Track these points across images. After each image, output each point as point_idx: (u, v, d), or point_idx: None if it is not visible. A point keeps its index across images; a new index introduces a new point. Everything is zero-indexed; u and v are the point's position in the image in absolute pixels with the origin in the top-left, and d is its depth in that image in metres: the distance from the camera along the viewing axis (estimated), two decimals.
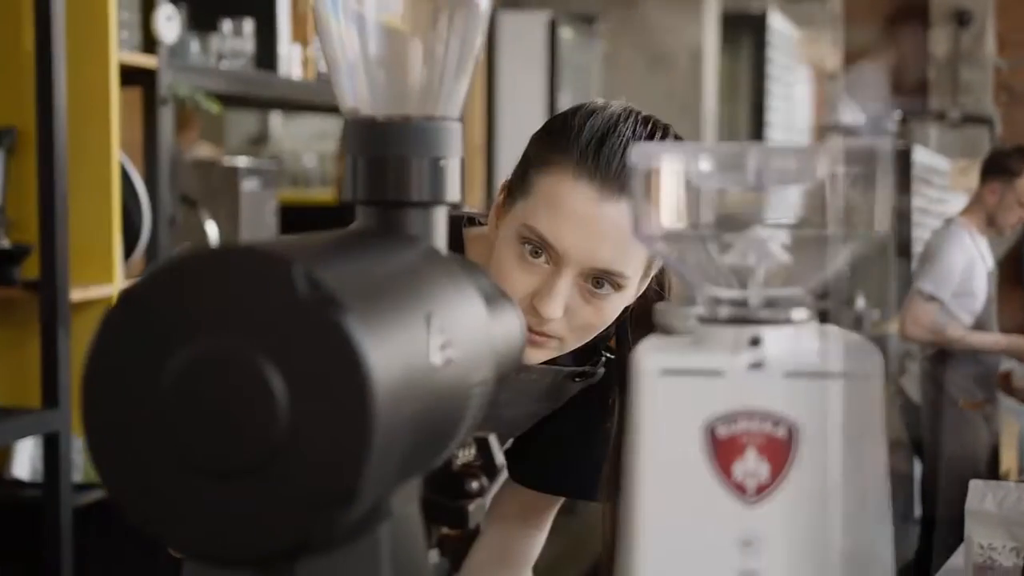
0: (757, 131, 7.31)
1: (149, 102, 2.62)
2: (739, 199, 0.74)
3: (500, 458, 0.96)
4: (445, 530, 0.92)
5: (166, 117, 2.63)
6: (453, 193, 0.82)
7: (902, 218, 6.99)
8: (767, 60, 7.15)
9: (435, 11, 0.82)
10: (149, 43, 2.62)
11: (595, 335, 1.27)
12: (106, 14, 2.43)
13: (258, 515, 0.60)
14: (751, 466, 0.68)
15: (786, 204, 0.75)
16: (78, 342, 2.34)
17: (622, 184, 1.20)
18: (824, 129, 8.56)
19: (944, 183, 7.73)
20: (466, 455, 0.87)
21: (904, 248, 7.08)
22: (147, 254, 2.63)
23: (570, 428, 1.41)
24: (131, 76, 2.59)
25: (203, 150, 3.81)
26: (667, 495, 0.68)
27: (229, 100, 3.14)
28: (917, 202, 6.92)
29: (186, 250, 0.62)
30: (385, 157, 0.80)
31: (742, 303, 0.71)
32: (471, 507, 0.83)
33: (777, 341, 0.69)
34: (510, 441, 1.47)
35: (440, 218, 0.82)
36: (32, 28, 2.33)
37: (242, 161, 3.10)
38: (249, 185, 2.96)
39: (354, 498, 0.60)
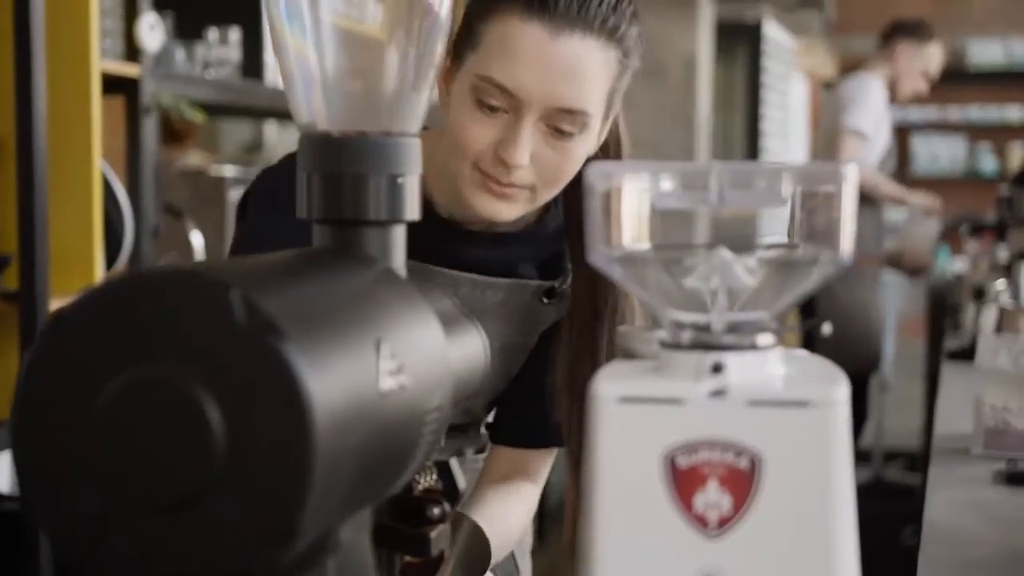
0: (752, 140, 7.29)
1: (132, 111, 2.59)
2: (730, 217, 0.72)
3: (462, 482, 0.94)
4: (407, 558, 0.89)
5: (149, 126, 2.61)
6: (412, 211, 0.80)
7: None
8: (762, 69, 7.13)
9: (393, 22, 0.80)
10: (133, 51, 2.59)
11: (563, 184, 1.24)
12: (88, 22, 2.41)
13: (193, 550, 0.58)
14: (712, 498, 0.65)
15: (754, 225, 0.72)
16: None
17: (573, 18, 1.17)
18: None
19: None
20: (427, 480, 0.85)
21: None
22: (130, 264, 2.60)
23: (543, 374, 1.36)
24: (114, 84, 2.56)
25: (195, 158, 3.79)
26: (626, 527, 0.66)
27: (215, 109, 3.11)
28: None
29: (124, 272, 0.60)
30: (341, 174, 0.77)
31: (705, 327, 0.69)
32: (433, 534, 0.81)
33: (741, 367, 0.67)
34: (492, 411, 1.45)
35: (399, 236, 0.79)
36: (11, 36, 2.30)
37: (230, 171, 3.08)
38: (237, 195, 2.93)
39: (294, 534, 0.58)
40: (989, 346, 1.83)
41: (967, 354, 2.58)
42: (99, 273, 2.46)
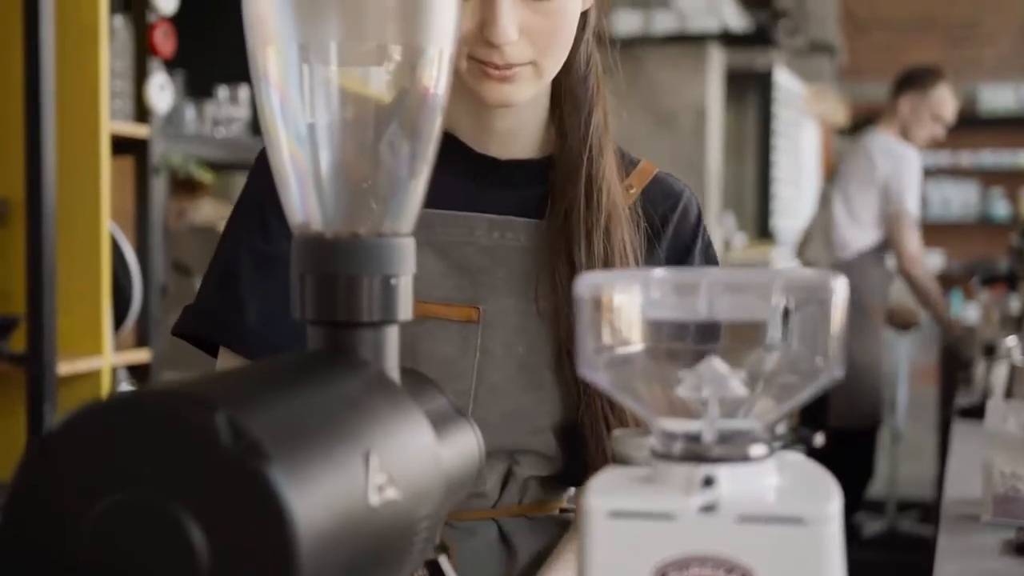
0: (763, 187, 7.29)
1: (141, 171, 2.60)
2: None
3: None
4: None
5: (158, 186, 2.62)
6: (405, 311, 0.79)
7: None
8: (773, 116, 7.15)
9: (384, 121, 0.80)
10: (142, 112, 2.61)
11: (567, 51, 1.17)
12: (98, 84, 2.43)
13: None
14: None
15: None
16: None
17: None
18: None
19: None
20: None
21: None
22: (138, 324, 2.61)
23: None
24: (124, 145, 2.58)
25: (207, 209, 3.80)
26: None
27: (225, 165, 3.13)
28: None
29: (108, 394, 0.60)
30: (335, 275, 0.77)
31: (696, 437, 0.68)
32: None
33: (732, 480, 0.66)
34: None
35: (392, 338, 0.79)
36: (22, 97, 2.32)
37: None
38: None
39: None
40: (997, 411, 1.82)
41: (978, 412, 2.56)
42: (107, 334, 2.46)
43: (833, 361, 0.68)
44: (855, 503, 4.50)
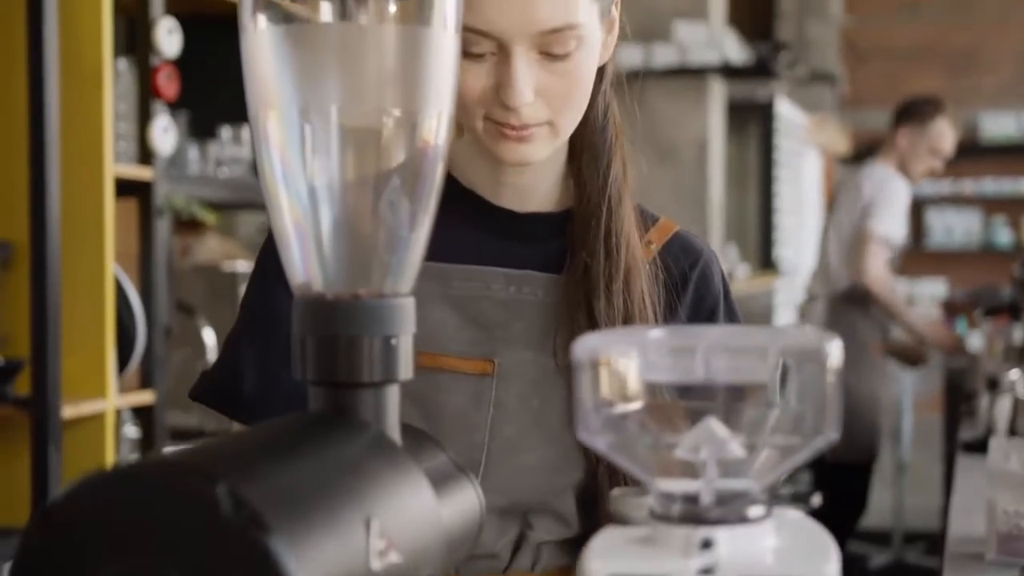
0: (766, 216, 7.31)
1: (145, 213, 2.62)
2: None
3: None
4: None
5: (162, 228, 2.63)
6: (406, 371, 0.80)
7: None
8: (775, 146, 7.17)
9: (383, 181, 0.81)
10: (146, 154, 2.62)
11: (583, 109, 1.15)
12: (101, 127, 2.44)
13: None
14: None
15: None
16: (70, 460, 2.32)
17: None
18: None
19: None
20: None
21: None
22: (142, 366, 2.61)
23: None
24: (127, 187, 2.59)
25: (212, 243, 3.81)
26: None
27: (228, 205, 3.14)
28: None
29: (109, 466, 0.60)
30: (336, 337, 0.78)
31: (694, 498, 0.69)
32: None
33: (731, 542, 0.67)
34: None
35: (392, 397, 0.80)
36: (27, 140, 2.34)
37: (243, 266, 3.10)
38: None
39: None
40: (1000, 449, 1.82)
41: (982, 446, 2.56)
42: (111, 377, 2.47)
43: (830, 422, 0.68)
44: (848, 535, 4.49)
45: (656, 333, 0.71)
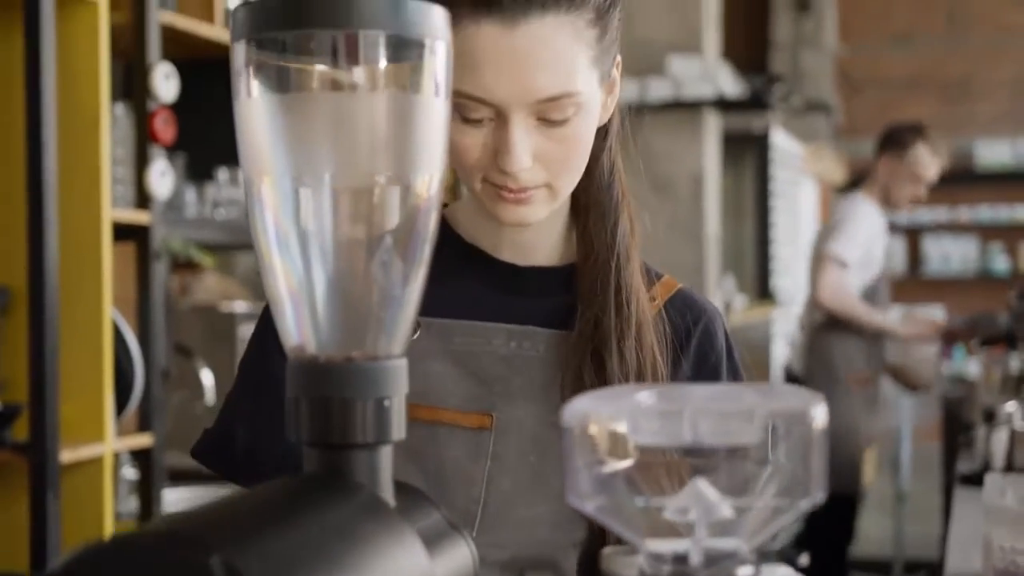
0: (763, 246, 7.33)
1: (143, 257, 2.63)
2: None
3: None
4: None
5: (159, 271, 2.65)
6: (399, 431, 0.81)
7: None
8: (771, 177, 7.19)
9: (376, 244, 0.82)
10: (143, 198, 2.64)
11: (581, 170, 1.16)
12: (99, 172, 2.46)
13: None
14: None
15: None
16: (69, 505, 2.32)
17: (524, 3, 1.09)
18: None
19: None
20: None
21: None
22: (140, 409, 2.62)
23: None
24: (125, 231, 2.60)
25: (210, 282, 3.82)
26: None
27: (226, 247, 3.16)
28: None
29: (103, 538, 0.61)
30: (329, 399, 0.79)
31: (683, 558, 0.70)
32: None
33: None
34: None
35: (386, 458, 0.81)
36: (24, 185, 2.35)
37: (240, 306, 3.11)
38: (247, 330, 2.96)
39: None
40: (995, 485, 1.82)
41: (979, 479, 2.56)
42: (109, 421, 2.48)
43: (816, 483, 0.69)
44: (843, 567, 4.48)
45: (645, 396, 0.73)
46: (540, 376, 1.21)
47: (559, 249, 1.26)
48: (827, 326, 4.34)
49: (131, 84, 2.70)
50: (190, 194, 2.90)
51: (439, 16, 0.80)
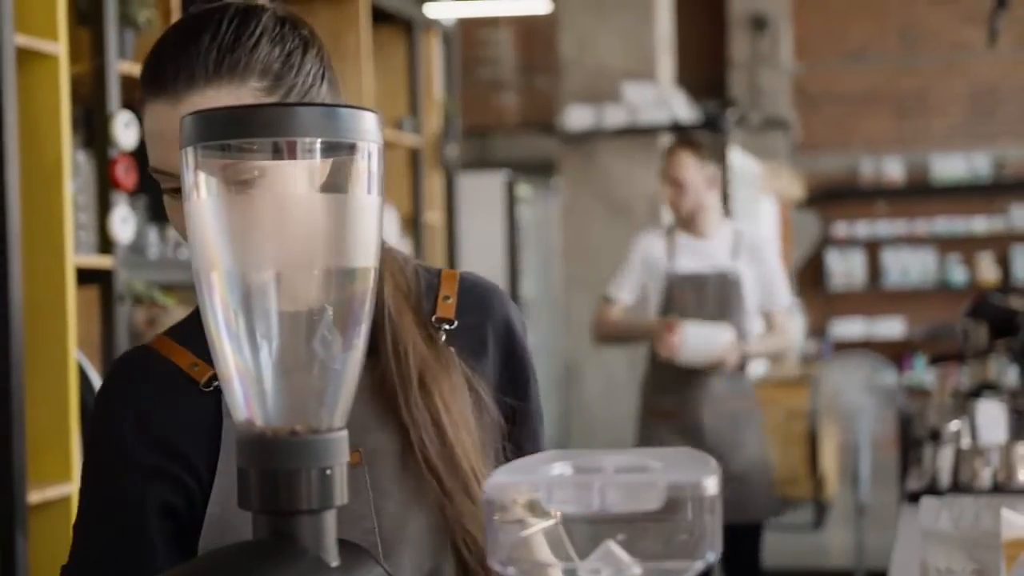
0: None
1: (106, 300, 2.69)
2: None
3: None
4: None
5: (123, 314, 2.71)
6: (341, 496, 0.88)
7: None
8: (730, 196, 7.29)
9: (316, 324, 0.89)
10: (106, 243, 2.70)
11: None
12: (62, 217, 2.52)
13: None
14: None
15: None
16: (37, 546, 2.38)
17: (187, 81, 1.15)
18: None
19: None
20: None
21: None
22: None
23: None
24: (88, 275, 2.67)
25: (177, 315, 3.86)
26: None
27: (189, 286, 3.22)
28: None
29: None
30: (275, 470, 0.86)
31: None
32: None
33: None
34: None
35: (330, 521, 0.88)
36: None
37: None
38: None
39: None
40: (932, 507, 1.90)
41: (925, 496, 2.64)
42: (75, 461, 2.53)
43: (712, 543, 0.77)
44: None
45: (558, 469, 0.80)
46: (374, 405, 1.25)
47: None
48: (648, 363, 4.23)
49: (92, 131, 2.77)
50: (152, 235, 2.96)
51: (370, 121, 0.87)
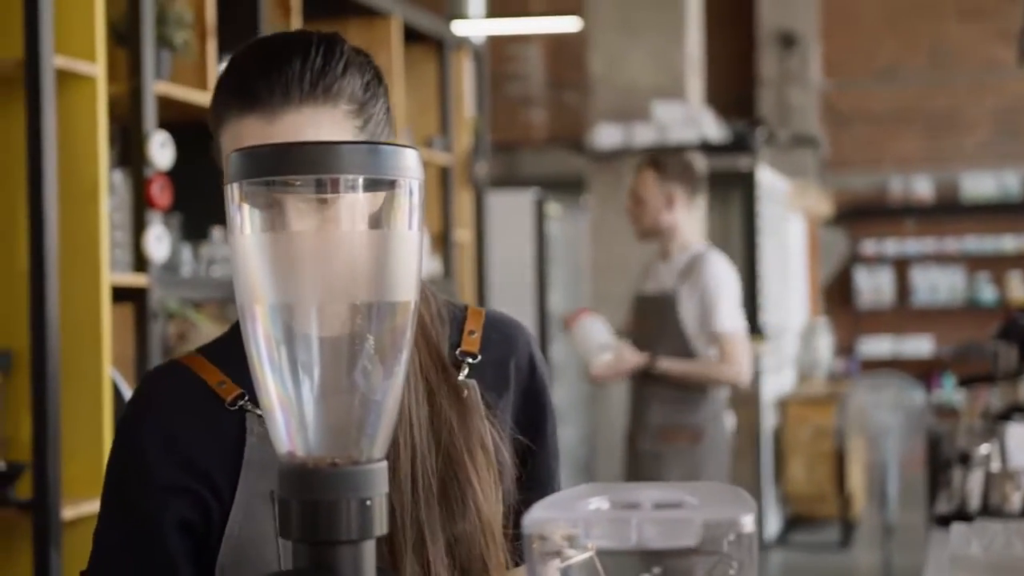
0: (750, 283, 7.41)
1: (140, 318, 2.72)
2: None
3: None
4: None
5: (156, 331, 2.73)
6: (380, 527, 0.90)
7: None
8: (757, 214, 7.29)
9: (356, 362, 0.91)
10: (141, 261, 2.73)
11: None
12: (98, 236, 2.55)
13: None
14: None
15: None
16: (71, 561, 2.40)
17: (282, 98, 1.18)
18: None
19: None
20: None
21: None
22: None
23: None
24: (123, 293, 2.69)
25: (206, 330, 3.89)
26: None
27: (221, 302, 3.25)
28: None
29: None
30: (316, 501, 0.88)
31: None
32: None
33: None
34: None
35: (369, 552, 0.90)
36: (27, 251, 2.44)
37: None
38: None
39: None
40: (962, 533, 1.91)
41: (955, 520, 2.63)
42: None
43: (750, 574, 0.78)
44: None
45: (595, 504, 0.81)
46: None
47: None
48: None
49: (128, 151, 2.80)
50: (186, 253, 2.99)
51: (411, 157, 0.89)
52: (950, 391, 9.43)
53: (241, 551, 1.23)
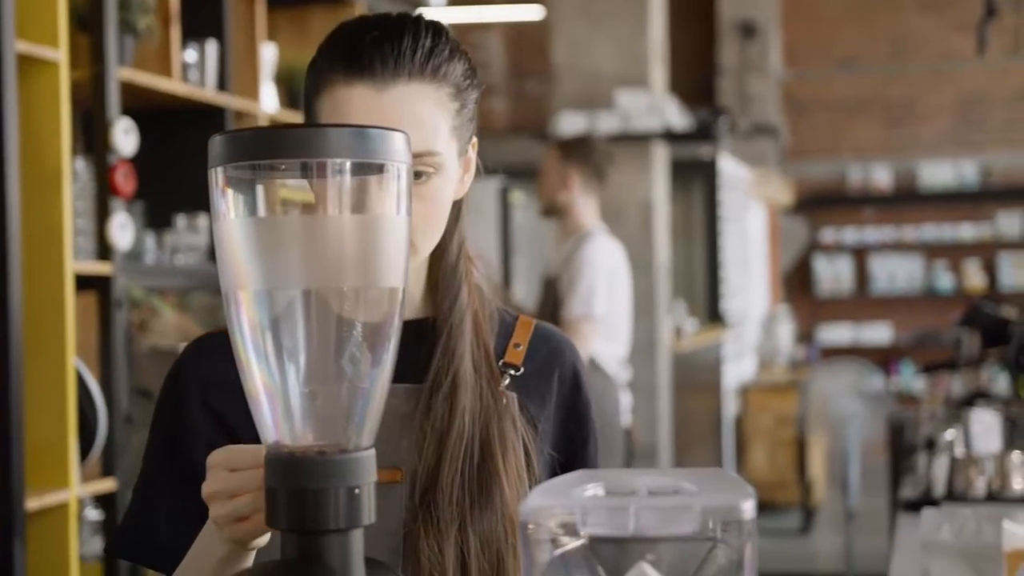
0: (712, 270, 7.44)
1: (104, 306, 2.68)
2: None
3: None
4: None
5: (120, 319, 2.70)
6: (369, 516, 0.89)
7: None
8: (719, 202, 7.31)
9: (344, 343, 0.89)
10: (104, 249, 2.69)
11: (441, 231, 1.24)
12: (61, 224, 2.51)
13: None
14: None
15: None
16: (35, 552, 2.37)
17: (393, 70, 1.19)
18: None
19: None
20: None
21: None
22: (103, 454, 2.67)
23: None
24: (86, 281, 2.66)
25: (168, 318, 3.85)
26: None
27: (185, 290, 3.22)
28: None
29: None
30: (304, 490, 0.87)
31: None
32: None
33: None
34: None
35: (357, 540, 0.88)
36: None
37: None
38: None
39: None
40: (932, 518, 1.90)
41: (921, 505, 2.64)
42: (73, 467, 2.53)
43: (748, 566, 0.78)
44: None
45: (591, 490, 0.80)
46: (397, 430, 1.24)
47: (416, 304, 1.30)
48: None
49: (91, 138, 2.76)
50: (149, 241, 2.95)
51: (399, 141, 0.88)
52: (909, 378, 9.51)
53: None
